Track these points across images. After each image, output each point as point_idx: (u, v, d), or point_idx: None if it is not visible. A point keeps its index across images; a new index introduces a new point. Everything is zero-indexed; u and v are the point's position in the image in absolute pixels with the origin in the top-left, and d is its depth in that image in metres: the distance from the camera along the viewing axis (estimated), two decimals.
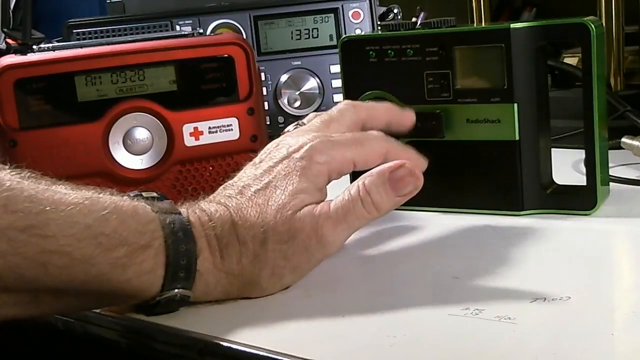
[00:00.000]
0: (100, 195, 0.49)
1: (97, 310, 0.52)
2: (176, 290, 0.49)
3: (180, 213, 0.51)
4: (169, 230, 0.49)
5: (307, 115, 0.63)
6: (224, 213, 0.52)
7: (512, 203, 0.65)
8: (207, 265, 0.50)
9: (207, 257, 0.50)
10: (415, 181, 0.55)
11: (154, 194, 0.52)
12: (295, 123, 0.62)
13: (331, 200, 0.55)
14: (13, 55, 0.70)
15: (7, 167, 0.47)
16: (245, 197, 0.53)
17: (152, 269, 0.48)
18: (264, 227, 0.52)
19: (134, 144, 0.70)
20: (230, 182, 0.56)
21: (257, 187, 0.54)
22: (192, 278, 0.50)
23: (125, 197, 0.50)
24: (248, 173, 0.56)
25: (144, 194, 0.52)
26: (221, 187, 0.56)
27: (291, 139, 0.57)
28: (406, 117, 0.64)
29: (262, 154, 0.58)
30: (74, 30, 0.91)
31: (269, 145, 0.58)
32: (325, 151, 0.55)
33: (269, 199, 0.53)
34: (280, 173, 0.54)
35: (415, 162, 0.58)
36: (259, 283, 0.52)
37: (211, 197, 0.55)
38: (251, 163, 0.57)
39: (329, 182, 0.56)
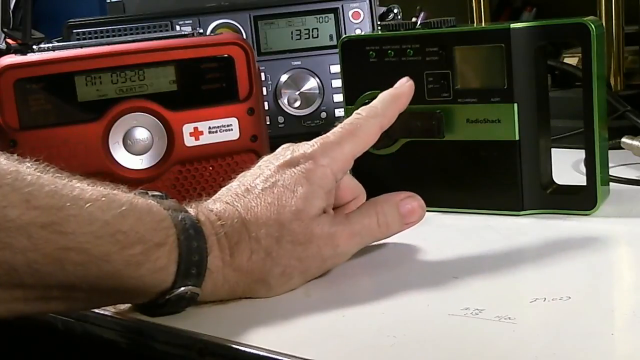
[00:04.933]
0: (115, 191, 0.49)
1: (97, 310, 0.52)
2: (187, 287, 0.49)
3: (187, 211, 0.51)
4: (181, 227, 0.49)
5: (307, 115, 0.63)
6: (232, 212, 0.52)
7: (512, 203, 0.65)
8: (217, 263, 0.50)
9: (217, 255, 0.51)
10: (422, 213, 0.59)
11: (158, 193, 0.52)
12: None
13: (349, 212, 0.57)
14: (13, 55, 0.70)
15: (26, 160, 0.47)
16: (252, 195, 0.53)
17: (165, 265, 0.48)
18: (280, 226, 0.52)
19: (134, 144, 0.70)
20: (232, 183, 0.56)
21: (264, 185, 0.54)
22: (203, 275, 0.50)
23: (137, 194, 0.50)
24: (252, 173, 0.56)
25: (149, 192, 0.52)
26: (224, 188, 0.56)
27: (293, 146, 0.57)
28: (406, 91, 0.62)
29: (263, 160, 0.58)
30: (74, 30, 0.91)
31: (268, 156, 0.58)
32: (327, 153, 0.56)
33: (279, 199, 0.53)
34: (286, 174, 0.54)
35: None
36: (267, 281, 0.52)
37: (215, 197, 0.55)
38: (254, 167, 0.57)
39: (336, 182, 0.56)
